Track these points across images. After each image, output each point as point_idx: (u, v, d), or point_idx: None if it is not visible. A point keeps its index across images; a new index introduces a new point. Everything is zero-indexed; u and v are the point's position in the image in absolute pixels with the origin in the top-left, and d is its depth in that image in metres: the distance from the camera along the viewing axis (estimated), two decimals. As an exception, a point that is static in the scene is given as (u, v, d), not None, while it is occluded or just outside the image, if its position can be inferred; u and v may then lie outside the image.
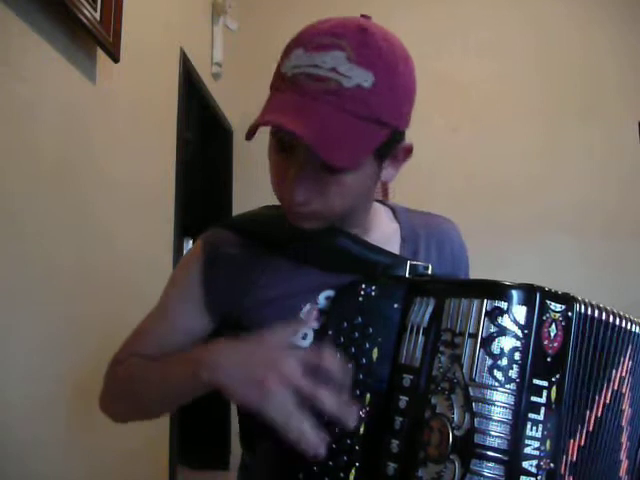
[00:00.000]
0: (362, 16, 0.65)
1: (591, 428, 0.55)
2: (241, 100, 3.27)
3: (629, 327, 0.59)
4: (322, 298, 0.70)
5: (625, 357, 0.57)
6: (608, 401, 0.56)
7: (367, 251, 0.72)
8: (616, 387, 0.57)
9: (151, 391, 0.72)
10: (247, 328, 0.71)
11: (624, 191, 3.17)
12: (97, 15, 1.47)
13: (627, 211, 3.15)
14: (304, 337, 0.68)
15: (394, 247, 0.77)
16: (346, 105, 0.58)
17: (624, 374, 0.57)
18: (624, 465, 0.57)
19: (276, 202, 0.77)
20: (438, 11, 3.30)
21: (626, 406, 0.57)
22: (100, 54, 1.57)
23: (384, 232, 0.78)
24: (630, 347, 0.58)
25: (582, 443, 0.55)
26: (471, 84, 3.27)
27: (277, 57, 0.66)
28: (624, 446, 0.57)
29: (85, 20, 1.38)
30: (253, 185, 3.21)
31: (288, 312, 0.70)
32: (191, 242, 2.92)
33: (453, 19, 3.30)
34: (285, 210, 0.68)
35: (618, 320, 0.58)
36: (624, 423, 0.57)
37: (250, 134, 0.59)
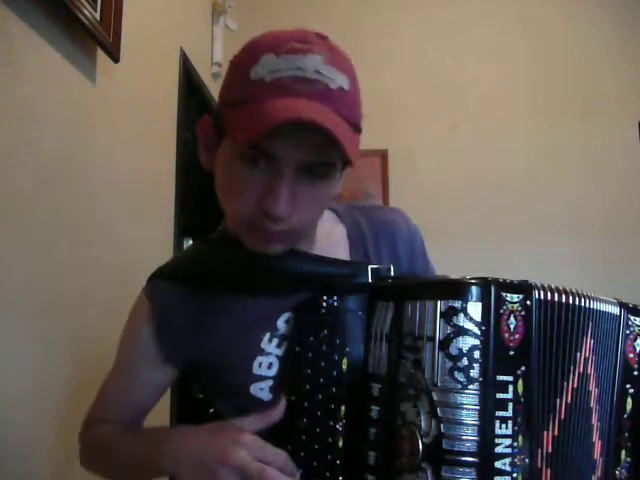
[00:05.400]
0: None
1: (563, 416, 0.54)
2: (241, 100, 3.27)
3: (589, 305, 0.57)
4: (281, 323, 0.67)
5: (587, 336, 0.56)
6: (576, 385, 0.55)
7: (322, 266, 0.69)
8: (582, 369, 0.55)
9: (124, 468, 0.72)
10: (213, 369, 0.69)
11: (624, 191, 3.16)
12: (97, 15, 1.47)
13: (627, 211, 3.15)
14: (269, 367, 0.66)
15: (343, 250, 0.75)
16: (337, 108, 0.56)
17: (588, 354, 0.56)
18: (597, 447, 0.56)
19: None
20: (438, 12, 3.30)
21: (593, 387, 0.56)
22: (100, 54, 1.57)
23: (331, 238, 0.75)
24: (591, 325, 0.56)
25: (556, 433, 0.54)
26: (471, 84, 3.27)
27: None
28: (595, 427, 0.56)
29: (85, 20, 1.38)
30: (253, 185, 3.21)
31: (247, 346, 0.67)
32: (191, 242, 2.92)
33: (453, 20, 3.30)
34: (246, 232, 0.62)
35: (578, 300, 0.56)
36: (593, 404, 0.56)
37: (260, 137, 0.53)
